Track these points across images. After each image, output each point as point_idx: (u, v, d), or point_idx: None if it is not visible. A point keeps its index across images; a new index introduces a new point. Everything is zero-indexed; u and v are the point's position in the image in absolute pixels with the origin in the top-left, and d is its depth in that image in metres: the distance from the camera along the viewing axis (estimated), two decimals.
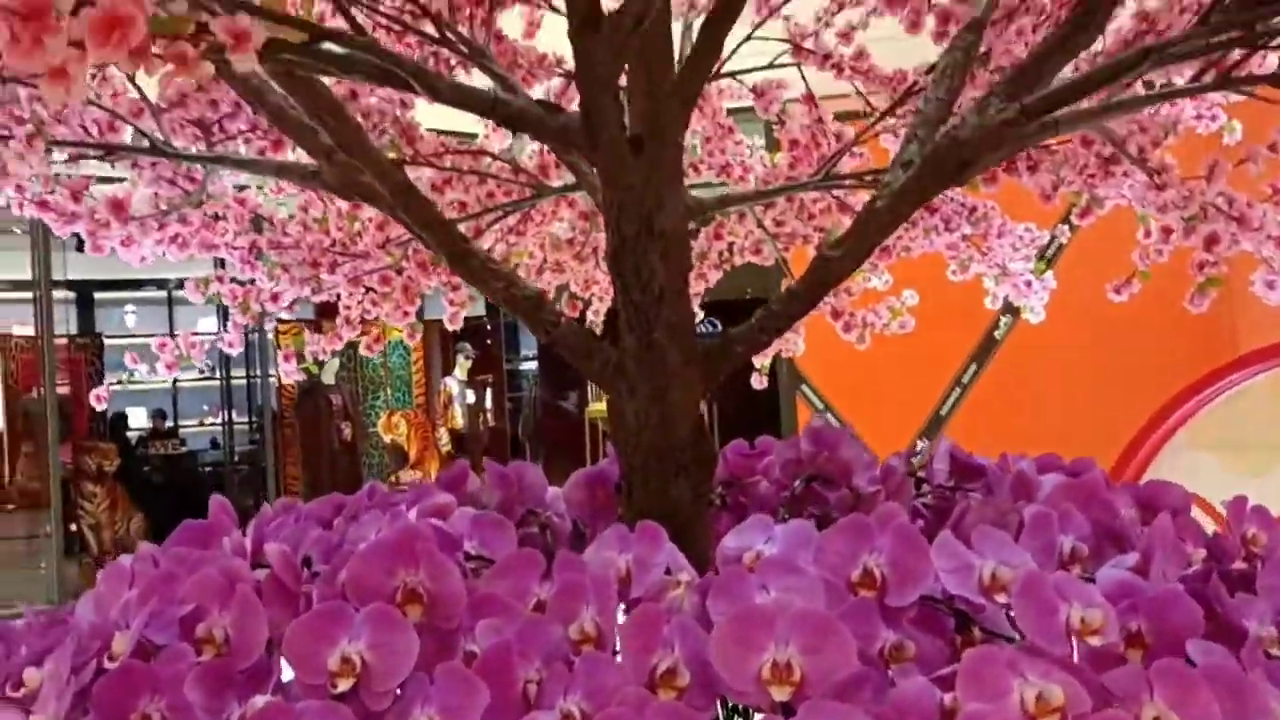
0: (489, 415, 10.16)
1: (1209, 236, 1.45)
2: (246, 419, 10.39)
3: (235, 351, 1.90)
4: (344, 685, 0.73)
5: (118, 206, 1.44)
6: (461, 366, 9.64)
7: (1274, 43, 0.96)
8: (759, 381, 2.42)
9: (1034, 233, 2.11)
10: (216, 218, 1.83)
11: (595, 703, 0.69)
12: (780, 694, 0.68)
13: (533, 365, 12.12)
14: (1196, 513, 1.23)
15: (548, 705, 0.72)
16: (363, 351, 1.89)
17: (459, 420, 9.55)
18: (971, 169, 1.07)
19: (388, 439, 9.18)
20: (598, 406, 9.58)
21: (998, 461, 1.28)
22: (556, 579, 0.83)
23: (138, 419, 11.51)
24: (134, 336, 11.10)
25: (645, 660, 0.71)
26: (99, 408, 1.97)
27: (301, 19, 0.77)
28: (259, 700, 0.72)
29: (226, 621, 0.78)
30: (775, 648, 0.69)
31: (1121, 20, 1.45)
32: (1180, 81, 1.21)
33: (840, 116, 2.04)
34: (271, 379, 9.32)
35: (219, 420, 10.48)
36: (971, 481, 1.26)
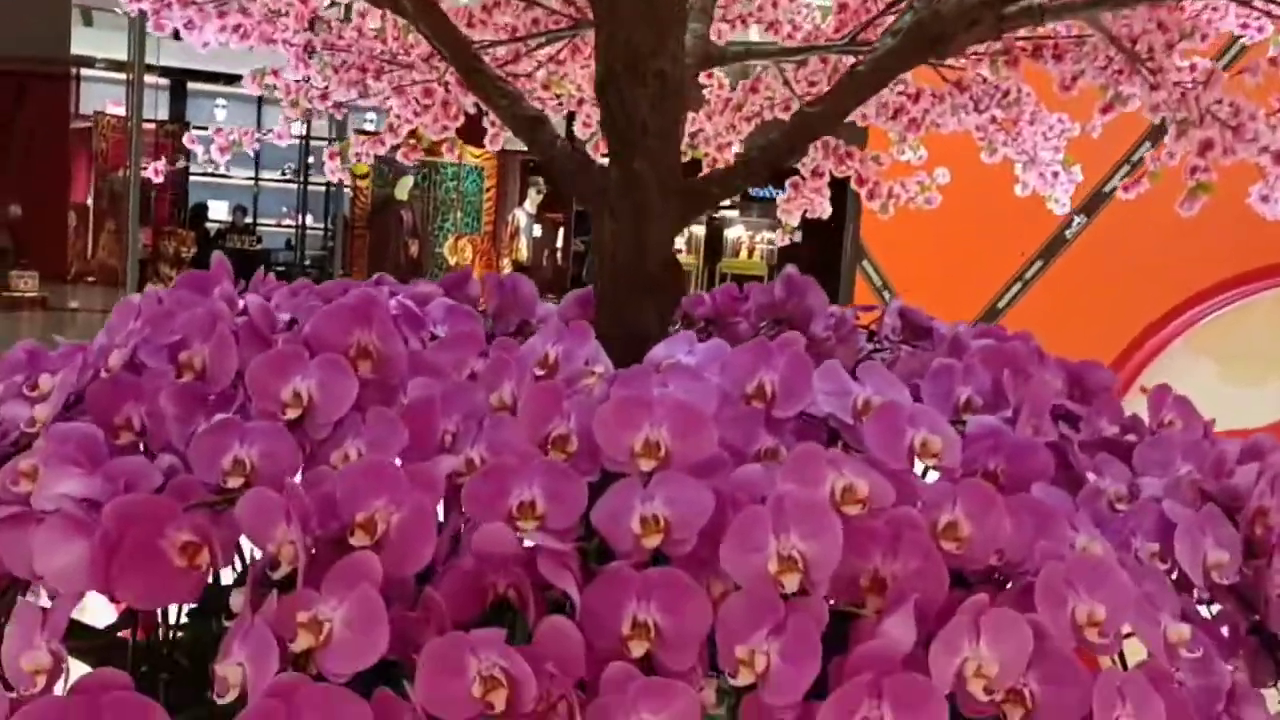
0: (558, 255, 10.29)
1: (1202, 142, 1.50)
2: (321, 225, 10.65)
3: (284, 144, 2.03)
4: (292, 414, 0.86)
5: None
6: (532, 200, 9.75)
7: None
8: (822, 208, 2.36)
9: (1065, 124, 2.14)
10: (278, 14, 1.94)
11: (493, 453, 0.82)
12: (647, 465, 0.80)
13: None
14: None
15: (456, 452, 0.85)
16: (399, 158, 2.00)
17: (523, 253, 9.72)
18: (946, 44, 1.14)
19: (452, 261, 9.38)
20: None
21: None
22: (490, 356, 0.95)
23: (218, 212, 11.86)
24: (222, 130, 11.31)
25: (541, 425, 0.83)
26: (156, 180, 2.12)
27: None
28: (220, 417, 0.86)
29: (205, 353, 0.92)
30: (649, 428, 0.81)
31: None
32: None
33: None
34: (347, 189, 9.54)
35: (295, 223, 10.77)
36: (920, 340, 1.35)
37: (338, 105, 1.98)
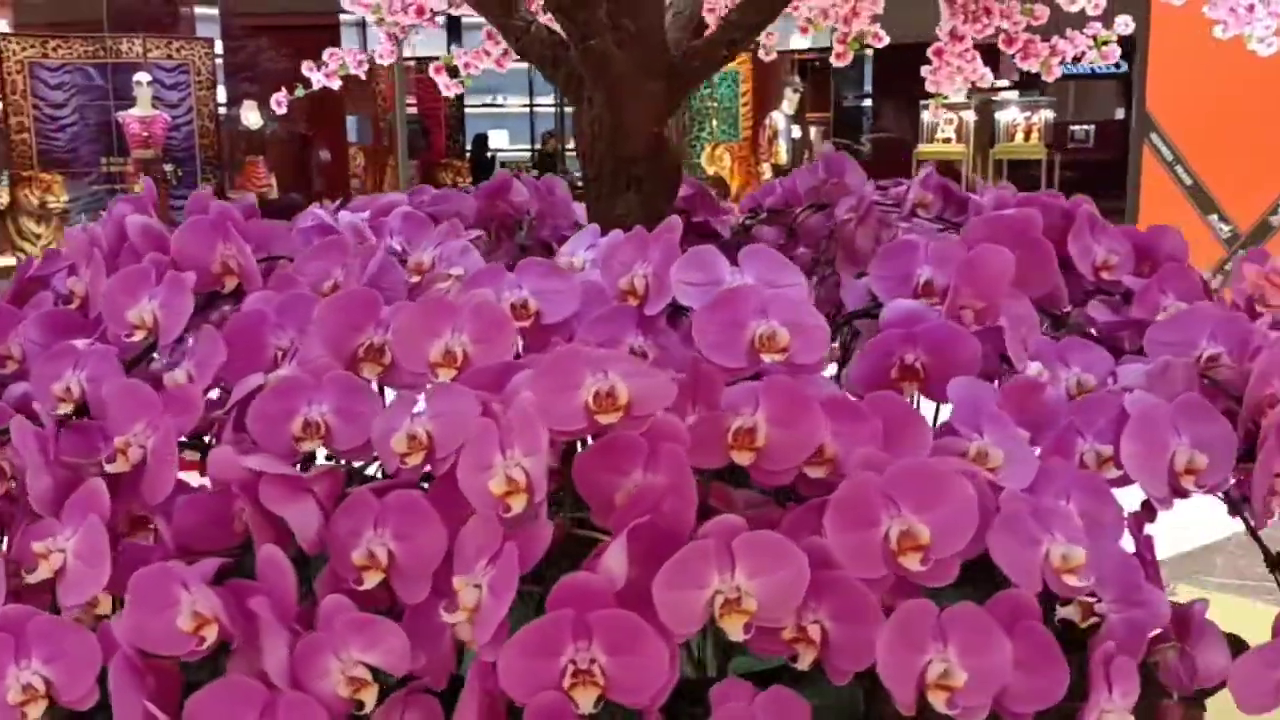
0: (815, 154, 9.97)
1: None
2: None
3: (387, 62, 2.01)
4: (139, 337, 0.84)
5: None
6: (789, 100, 9.44)
7: None
8: (977, 74, 2.12)
9: None
10: None
11: (303, 368, 0.76)
12: (446, 376, 0.72)
13: (869, 104, 11.71)
14: None
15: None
16: (491, 65, 1.94)
17: (782, 156, 9.46)
18: None
19: (711, 171, 9.26)
20: (926, 148, 9.18)
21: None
22: (349, 265, 0.89)
23: (499, 140, 12.32)
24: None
25: (348, 337, 0.76)
26: (279, 110, 2.18)
27: None
28: (79, 342, 0.85)
29: (85, 279, 0.91)
30: (450, 335, 0.73)
31: None
32: None
33: None
34: None
35: (558, 145, 11.05)
36: (960, 214, 1.17)
37: (431, 17, 1.94)
